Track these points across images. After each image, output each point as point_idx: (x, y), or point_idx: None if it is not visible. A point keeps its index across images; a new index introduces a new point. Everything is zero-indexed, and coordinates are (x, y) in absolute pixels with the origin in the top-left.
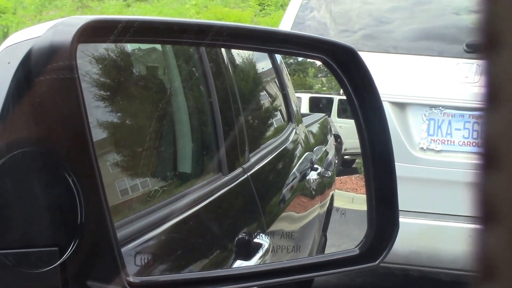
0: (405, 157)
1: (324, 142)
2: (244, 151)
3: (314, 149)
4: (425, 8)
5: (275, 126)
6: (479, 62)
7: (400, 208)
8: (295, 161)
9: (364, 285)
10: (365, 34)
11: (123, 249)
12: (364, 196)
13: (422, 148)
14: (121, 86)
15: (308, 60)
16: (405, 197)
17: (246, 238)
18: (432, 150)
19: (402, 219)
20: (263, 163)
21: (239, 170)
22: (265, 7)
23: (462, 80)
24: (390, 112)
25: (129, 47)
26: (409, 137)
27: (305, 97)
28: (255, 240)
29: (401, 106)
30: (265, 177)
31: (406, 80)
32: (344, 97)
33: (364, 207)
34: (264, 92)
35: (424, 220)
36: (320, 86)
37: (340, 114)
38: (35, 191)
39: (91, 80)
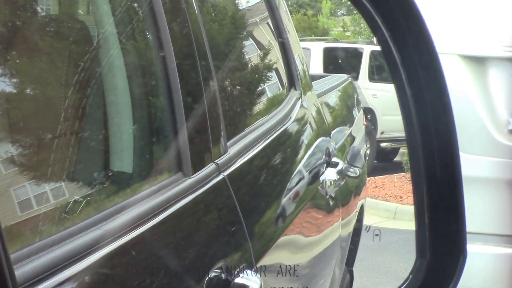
0: (485, 144)
1: (348, 120)
2: (219, 137)
3: (332, 132)
4: None
5: (269, 96)
6: None
7: (470, 229)
8: (302, 152)
9: None
10: None
11: None
12: (412, 208)
13: None
14: (17, 33)
15: None
16: (481, 211)
17: (223, 276)
18: None
19: (474, 246)
20: (249, 156)
21: (210, 167)
22: None
23: None
24: (461, 72)
25: None
26: (492, 112)
27: (316, 48)
28: (238, 279)
29: (479, 62)
30: (253, 179)
31: (488, 20)
32: (378, 48)
33: (411, 225)
34: (251, 41)
35: None
36: (341, 30)
37: (373, 76)
38: None
39: None
